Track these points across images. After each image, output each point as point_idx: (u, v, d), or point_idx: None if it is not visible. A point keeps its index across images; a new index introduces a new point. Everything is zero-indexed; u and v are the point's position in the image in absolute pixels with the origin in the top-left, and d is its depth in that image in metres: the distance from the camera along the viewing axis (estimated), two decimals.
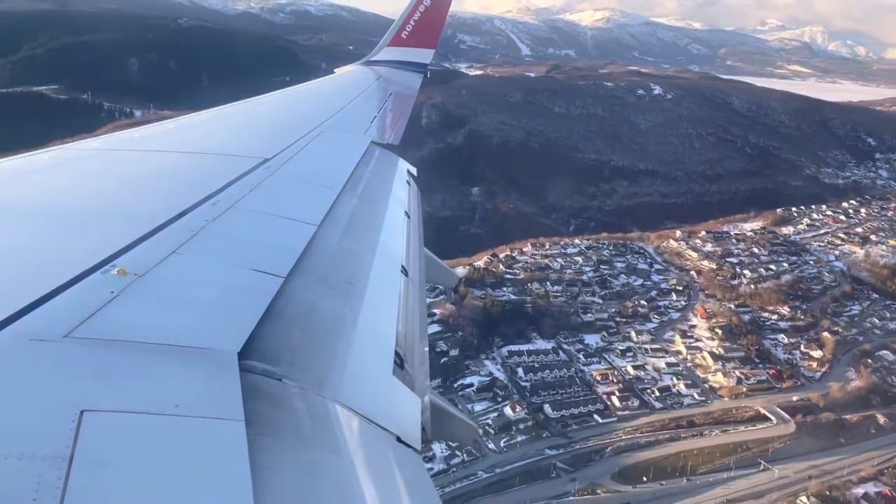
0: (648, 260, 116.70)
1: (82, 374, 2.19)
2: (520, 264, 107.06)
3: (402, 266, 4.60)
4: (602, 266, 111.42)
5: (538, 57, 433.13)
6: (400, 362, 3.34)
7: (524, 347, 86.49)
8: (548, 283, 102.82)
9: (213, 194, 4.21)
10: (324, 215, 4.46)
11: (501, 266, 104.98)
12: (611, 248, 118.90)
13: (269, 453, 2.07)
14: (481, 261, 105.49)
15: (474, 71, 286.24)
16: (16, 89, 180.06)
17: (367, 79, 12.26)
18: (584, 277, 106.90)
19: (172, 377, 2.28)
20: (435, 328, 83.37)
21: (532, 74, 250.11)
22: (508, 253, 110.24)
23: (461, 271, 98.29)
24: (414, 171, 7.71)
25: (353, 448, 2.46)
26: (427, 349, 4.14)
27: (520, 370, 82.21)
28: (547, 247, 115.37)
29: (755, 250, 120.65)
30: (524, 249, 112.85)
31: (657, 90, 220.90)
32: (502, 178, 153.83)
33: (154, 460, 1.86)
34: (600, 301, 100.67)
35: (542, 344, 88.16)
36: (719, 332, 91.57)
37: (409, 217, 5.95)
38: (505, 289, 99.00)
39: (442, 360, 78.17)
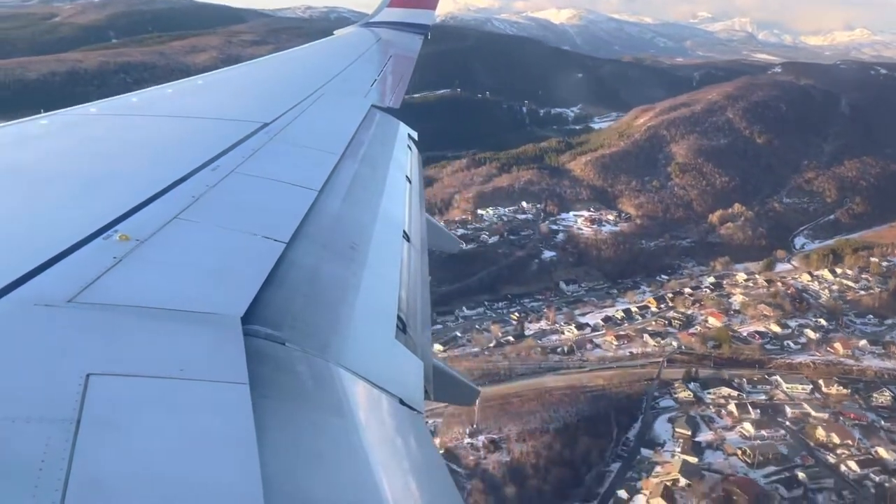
0: None
1: (87, 339, 2.20)
2: None
3: (404, 231, 4.60)
4: None
5: None
6: (402, 326, 3.35)
7: None
8: None
9: (214, 159, 4.21)
10: (325, 180, 4.45)
11: None
12: None
13: (274, 416, 2.09)
14: None
15: None
16: (430, 93, 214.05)
17: (366, 41, 12.00)
18: None
19: (176, 341, 2.30)
20: None
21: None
22: None
23: None
24: (415, 135, 7.65)
25: (356, 410, 2.49)
26: (429, 313, 4.13)
27: None
28: None
29: None
30: None
31: (883, 70, 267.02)
32: (851, 132, 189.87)
33: (160, 423, 1.88)
34: None
35: None
36: None
37: (410, 182, 5.91)
38: None
39: None
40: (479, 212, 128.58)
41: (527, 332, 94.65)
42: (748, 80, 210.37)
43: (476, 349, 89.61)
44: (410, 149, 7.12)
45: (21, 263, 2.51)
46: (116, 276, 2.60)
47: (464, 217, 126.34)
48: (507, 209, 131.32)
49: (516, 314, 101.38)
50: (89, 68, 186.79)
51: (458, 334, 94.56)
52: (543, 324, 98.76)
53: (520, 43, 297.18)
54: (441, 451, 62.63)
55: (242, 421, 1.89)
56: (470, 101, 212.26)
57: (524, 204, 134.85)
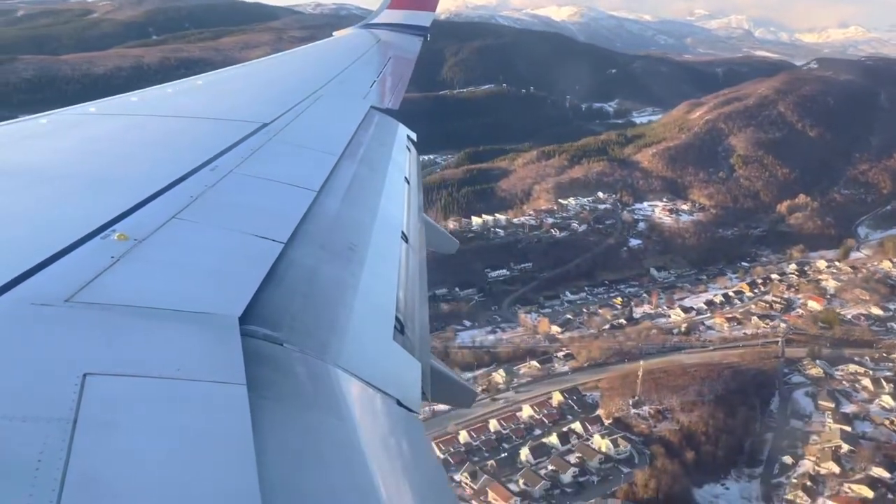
0: None
1: (84, 338, 2.20)
2: None
3: (403, 232, 4.63)
4: None
5: None
6: (400, 328, 3.38)
7: None
8: None
9: (212, 159, 4.24)
10: (323, 181, 4.49)
11: None
12: None
13: (271, 416, 2.10)
14: None
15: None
16: (476, 88, 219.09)
17: (366, 42, 12.07)
18: None
19: (174, 341, 2.30)
20: None
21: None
22: None
23: None
24: (414, 136, 7.70)
25: (353, 411, 2.49)
26: (427, 315, 4.16)
27: None
28: None
29: None
30: None
31: None
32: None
33: (157, 423, 1.88)
34: None
35: None
36: None
37: (408, 183, 5.96)
38: None
39: None
40: (562, 201, 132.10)
41: (634, 315, 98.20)
42: (791, 75, 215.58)
43: (593, 331, 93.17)
44: (409, 150, 7.17)
45: (18, 262, 2.52)
46: (114, 276, 2.61)
47: (550, 207, 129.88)
48: (585, 199, 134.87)
49: (619, 298, 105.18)
50: (152, 63, 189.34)
51: (570, 317, 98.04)
52: (647, 307, 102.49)
53: (551, 39, 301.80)
54: (609, 421, 66.34)
55: (240, 422, 1.90)
56: (516, 96, 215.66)
57: (600, 194, 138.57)
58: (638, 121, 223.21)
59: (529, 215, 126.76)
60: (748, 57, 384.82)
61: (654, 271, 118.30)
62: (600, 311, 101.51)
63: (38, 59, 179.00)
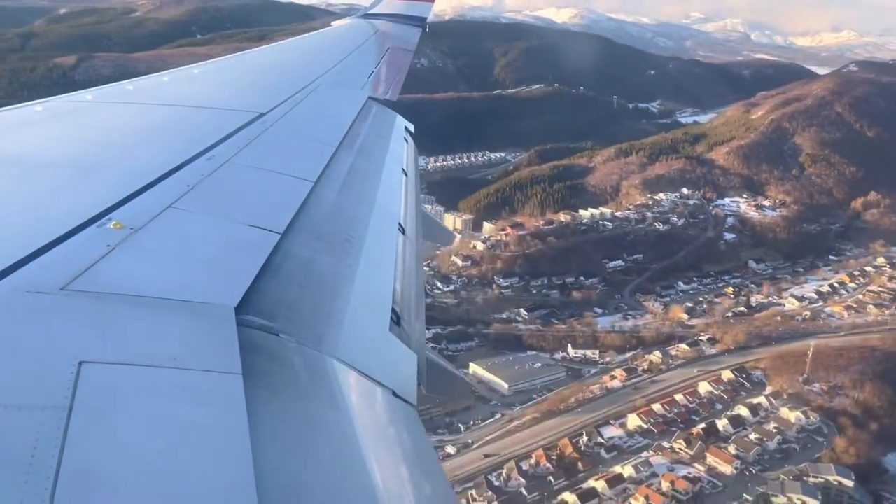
0: None
1: (80, 327, 2.22)
2: None
3: (400, 224, 4.63)
4: None
5: None
6: (397, 319, 3.39)
7: None
8: None
9: (209, 148, 4.26)
10: (321, 171, 4.51)
11: None
12: None
13: (267, 406, 2.11)
14: None
15: None
16: (525, 88, 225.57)
17: (364, 32, 12.11)
18: None
19: (170, 330, 2.32)
20: None
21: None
22: None
23: None
24: (412, 127, 7.69)
25: (349, 402, 2.51)
26: (424, 306, 4.18)
27: None
28: None
29: None
30: None
31: None
32: None
33: (152, 412, 1.89)
34: None
35: None
36: None
37: (406, 174, 5.95)
38: None
39: None
40: (654, 197, 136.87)
41: (752, 304, 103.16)
42: (840, 77, 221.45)
43: (717, 318, 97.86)
44: (407, 141, 7.19)
45: (14, 250, 2.55)
46: (110, 265, 2.63)
47: (644, 202, 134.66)
48: (673, 195, 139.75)
49: (730, 288, 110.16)
50: None
51: (690, 305, 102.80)
52: (759, 297, 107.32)
53: (590, 40, 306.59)
54: (784, 396, 70.95)
55: (235, 411, 1.91)
56: (569, 95, 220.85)
57: (685, 190, 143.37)
58: (683, 120, 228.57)
59: (629, 209, 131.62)
60: (762, 60, 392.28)
61: (752, 263, 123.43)
62: (717, 299, 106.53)
63: (113, 56, 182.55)
